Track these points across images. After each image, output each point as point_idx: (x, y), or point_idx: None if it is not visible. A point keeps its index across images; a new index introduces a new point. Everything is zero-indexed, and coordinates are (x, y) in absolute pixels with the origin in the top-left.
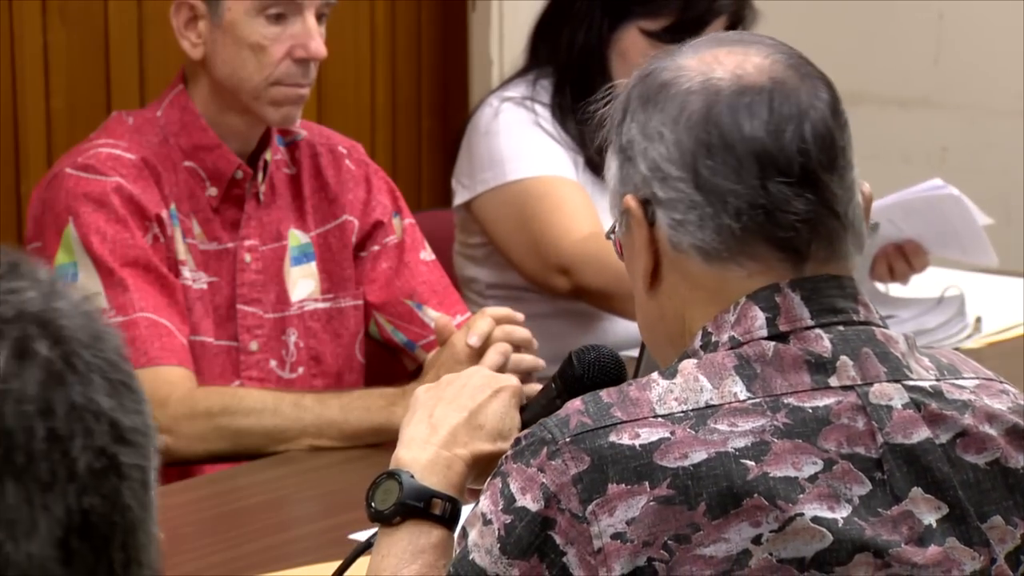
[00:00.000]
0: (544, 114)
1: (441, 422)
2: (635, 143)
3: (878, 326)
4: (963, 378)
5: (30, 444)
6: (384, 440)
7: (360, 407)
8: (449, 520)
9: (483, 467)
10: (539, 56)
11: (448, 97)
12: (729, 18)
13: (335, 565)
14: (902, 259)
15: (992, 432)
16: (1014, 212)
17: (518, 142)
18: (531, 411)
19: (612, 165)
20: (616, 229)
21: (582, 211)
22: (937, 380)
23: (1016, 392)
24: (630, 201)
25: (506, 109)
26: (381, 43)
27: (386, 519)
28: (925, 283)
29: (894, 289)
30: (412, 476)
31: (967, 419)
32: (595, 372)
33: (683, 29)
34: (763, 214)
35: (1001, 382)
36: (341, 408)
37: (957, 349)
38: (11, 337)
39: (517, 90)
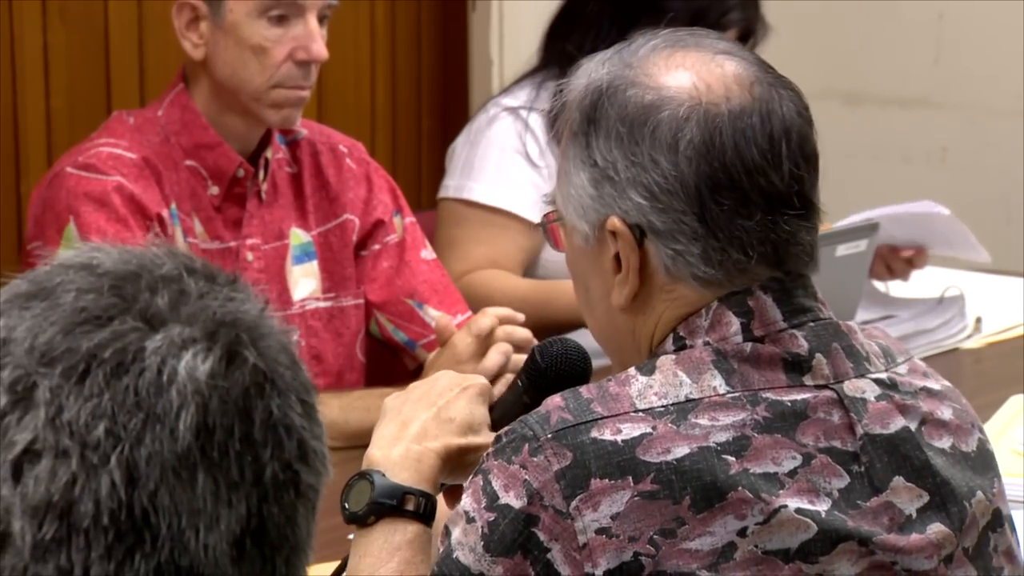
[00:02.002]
0: (537, 124)
1: (410, 419)
2: (618, 166)
3: (838, 322)
4: (898, 363)
5: (227, 442)
6: None
7: (360, 407)
8: (423, 515)
9: (455, 461)
10: (551, 57)
11: (448, 97)
12: (739, 32)
13: (334, 566)
14: (899, 258)
15: (945, 418)
16: (1014, 212)
17: (489, 164)
18: (500, 408)
19: (577, 174)
20: (574, 231)
21: (476, 248)
22: (886, 370)
23: (925, 366)
24: (618, 224)
25: (499, 121)
26: (381, 43)
27: (360, 520)
28: (925, 283)
29: (894, 289)
30: (383, 475)
31: (922, 406)
32: (560, 366)
33: None
34: (772, 247)
35: (912, 357)
36: (341, 409)
37: (957, 349)
38: (225, 340)
39: (520, 96)
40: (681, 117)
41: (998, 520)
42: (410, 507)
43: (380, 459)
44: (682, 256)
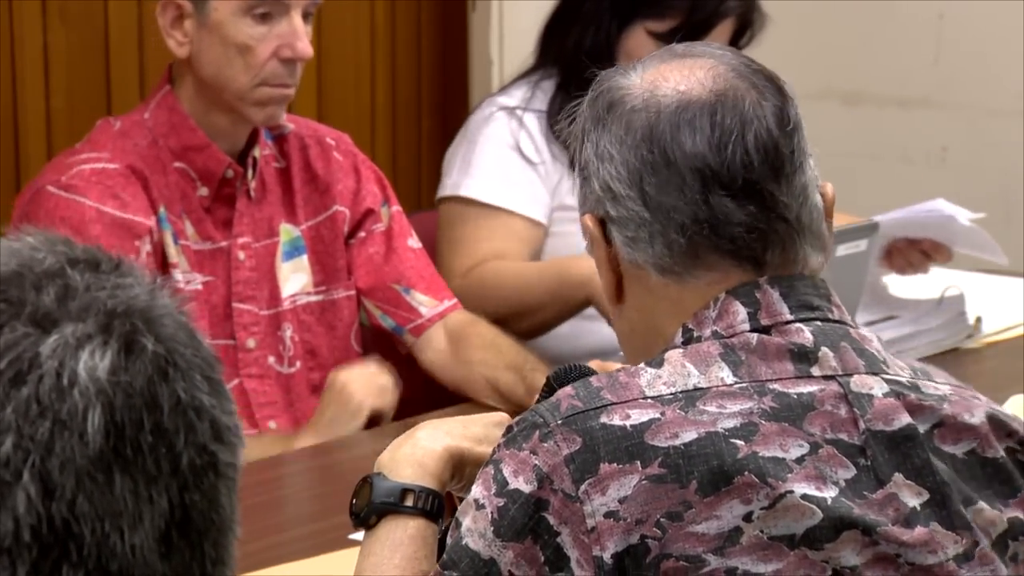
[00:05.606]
0: (532, 123)
1: (423, 425)
2: (590, 163)
3: (851, 326)
4: (935, 381)
5: (138, 437)
6: None
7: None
8: (426, 511)
9: (466, 467)
10: (547, 55)
11: (448, 97)
12: (736, 20)
13: (335, 561)
14: (919, 252)
15: (973, 422)
16: (1014, 212)
17: (487, 162)
18: None
19: (576, 185)
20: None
21: (480, 245)
22: (912, 378)
23: (987, 400)
24: (588, 221)
25: (495, 120)
26: (381, 43)
27: (363, 522)
28: (925, 283)
29: (894, 290)
30: (384, 476)
31: (946, 409)
32: None
33: (690, 30)
34: (707, 227)
35: (972, 393)
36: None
37: (957, 349)
38: (120, 331)
39: (516, 95)
40: (632, 109)
41: (1019, 528)
42: (408, 503)
43: (386, 460)
44: (635, 242)
